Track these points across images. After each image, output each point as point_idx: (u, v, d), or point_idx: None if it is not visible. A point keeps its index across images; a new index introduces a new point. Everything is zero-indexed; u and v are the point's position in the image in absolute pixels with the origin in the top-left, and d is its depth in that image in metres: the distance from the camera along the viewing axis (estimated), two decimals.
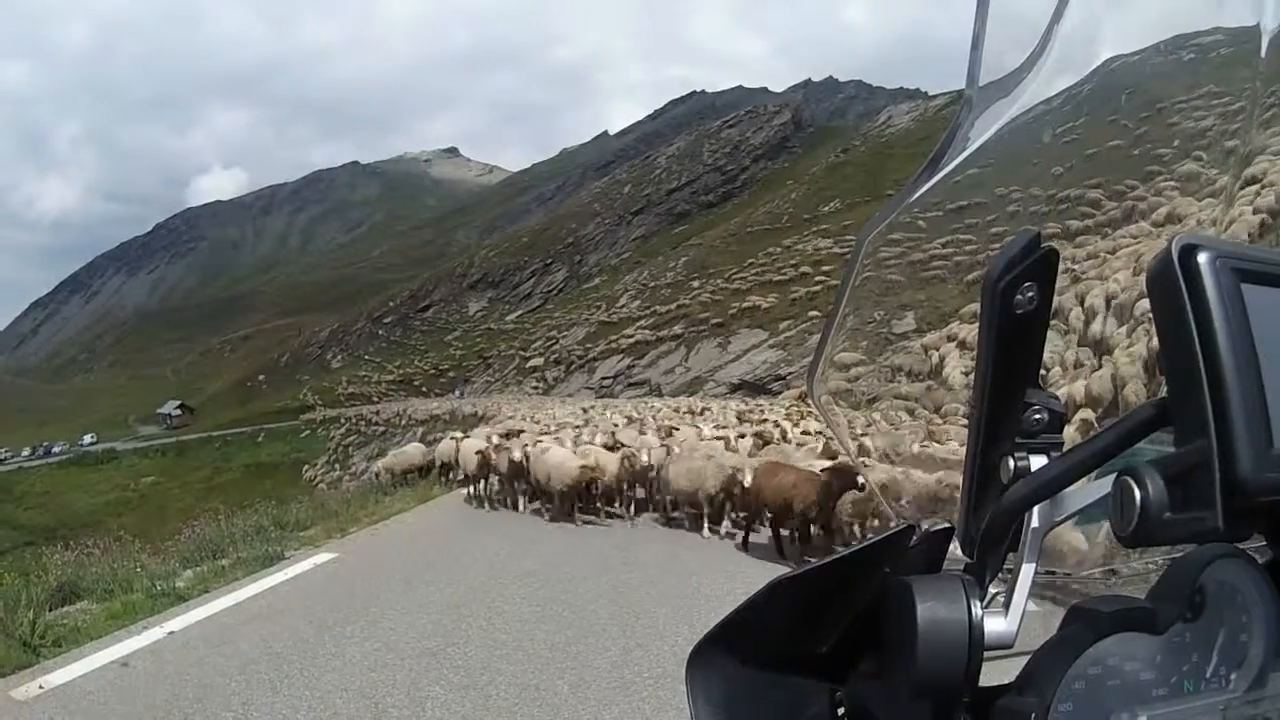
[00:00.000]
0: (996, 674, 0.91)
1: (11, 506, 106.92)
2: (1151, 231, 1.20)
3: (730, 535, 13.95)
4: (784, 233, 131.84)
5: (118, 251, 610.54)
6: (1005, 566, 0.95)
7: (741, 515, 13.72)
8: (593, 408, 48.48)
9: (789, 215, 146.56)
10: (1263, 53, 0.99)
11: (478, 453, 18.08)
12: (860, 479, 9.96)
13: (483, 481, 18.43)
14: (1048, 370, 1.03)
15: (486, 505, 18.18)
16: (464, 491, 19.02)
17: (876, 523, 10.35)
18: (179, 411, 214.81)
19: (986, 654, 0.88)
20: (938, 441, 1.37)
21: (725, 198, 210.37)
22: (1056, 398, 0.95)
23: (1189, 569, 0.86)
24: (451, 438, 22.36)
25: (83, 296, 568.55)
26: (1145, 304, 0.82)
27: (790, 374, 67.83)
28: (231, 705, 7.07)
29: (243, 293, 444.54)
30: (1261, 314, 0.76)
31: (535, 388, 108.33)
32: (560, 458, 16.14)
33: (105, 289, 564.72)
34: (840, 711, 1.03)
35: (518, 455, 16.74)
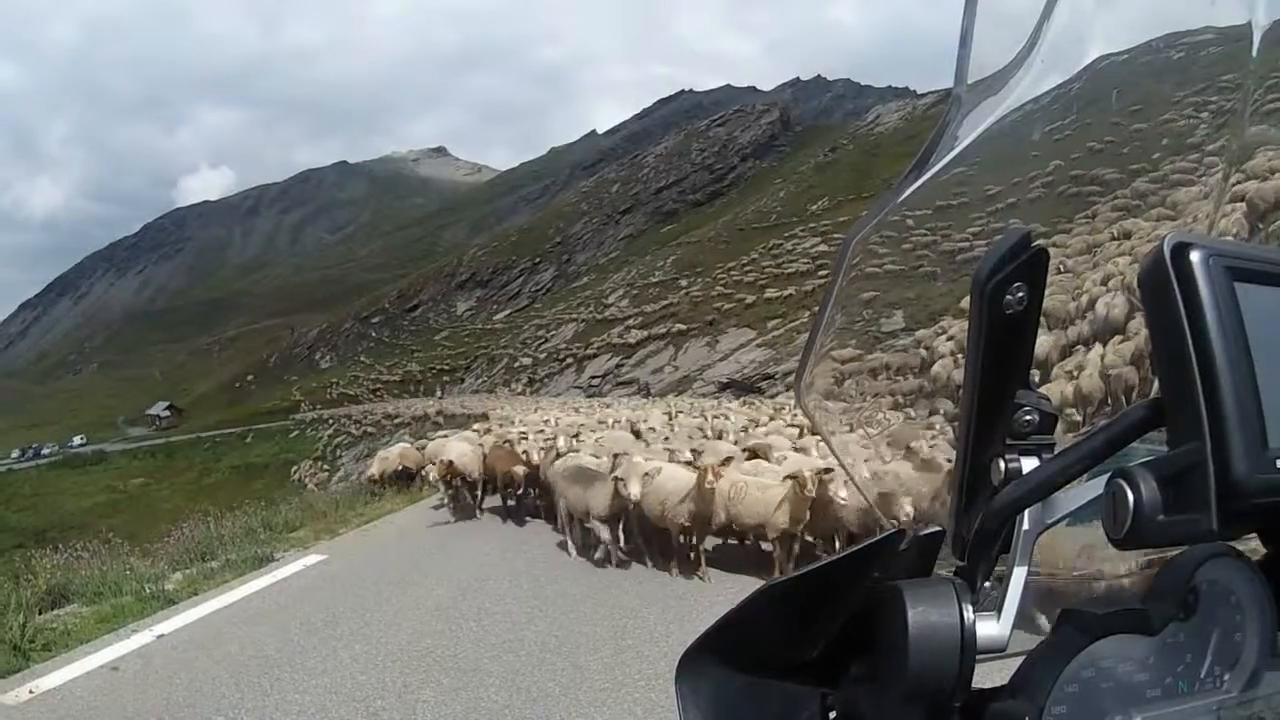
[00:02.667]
0: (989, 677, 0.91)
1: (1, 508, 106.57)
2: (1142, 230, 1.20)
3: None
4: (772, 232, 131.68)
5: (106, 252, 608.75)
6: (997, 569, 0.95)
7: None
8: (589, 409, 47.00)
9: (777, 214, 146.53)
10: (1255, 50, 0.98)
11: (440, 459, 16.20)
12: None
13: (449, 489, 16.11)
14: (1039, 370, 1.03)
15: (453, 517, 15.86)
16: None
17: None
18: (168, 413, 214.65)
19: (979, 657, 0.88)
20: (928, 443, 1.36)
21: (713, 197, 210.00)
22: (1047, 398, 0.94)
23: (1182, 569, 0.86)
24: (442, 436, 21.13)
25: (71, 297, 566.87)
26: (1138, 302, 0.82)
27: (779, 373, 67.79)
28: (222, 709, 7.06)
29: (231, 293, 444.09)
30: (1255, 313, 0.75)
31: (524, 388, 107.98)
32: (681, 482, 11.04)
33: (94, 290, 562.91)
34: (831, 716, 1.02)
35: (635, 490, 10.55)
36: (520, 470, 14.98)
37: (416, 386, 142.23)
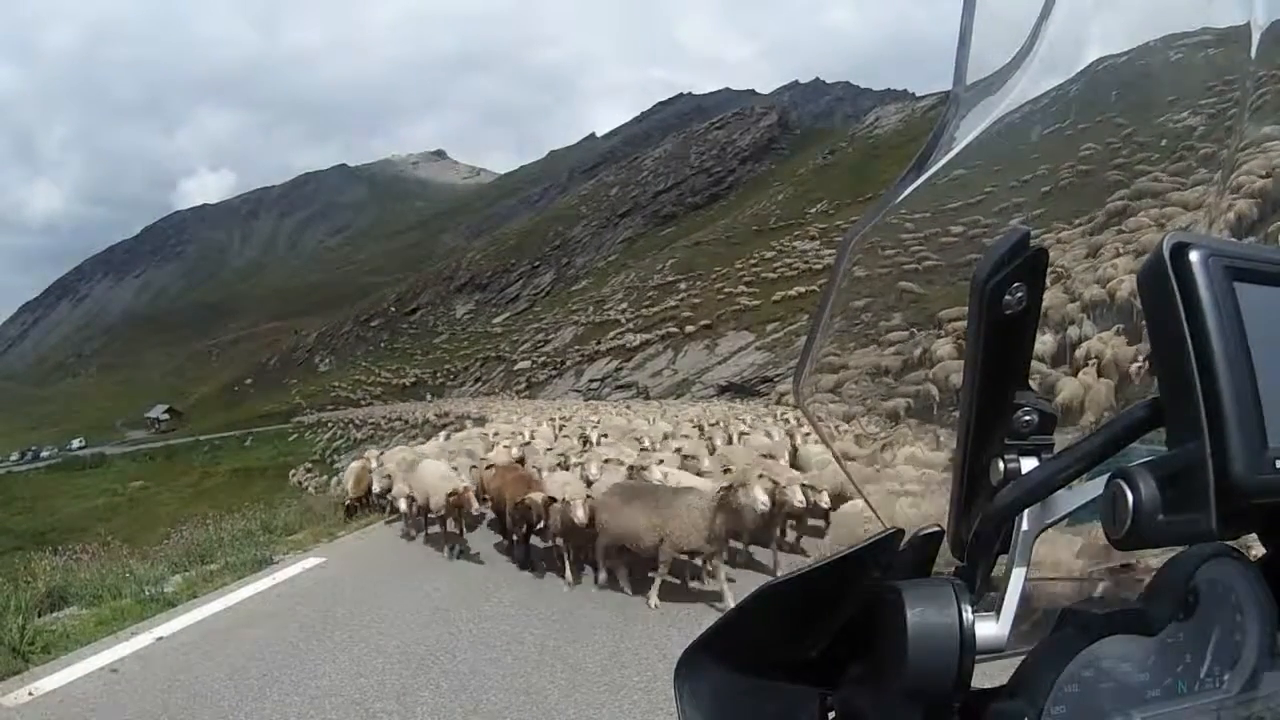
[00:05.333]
0: (989, 677, 0.91)
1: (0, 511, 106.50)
2: (1142, 229, 1.20)
3: None
4: (771, 234, 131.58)
5: (105, 255, 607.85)
6: (996, 569, 0.95)
7: None
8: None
9: (776, 217, 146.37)
10: (1253, 51, 0.98)
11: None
12: None
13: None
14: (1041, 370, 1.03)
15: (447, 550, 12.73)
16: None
17: None
18: (166, 416, 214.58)
19: (978, 658, 0.88)
20: (926, 444, 1.36)
21: (712, 199, 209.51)
22: (1046, 399, 0.95)
23: (1182, 569, 0.86)
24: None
25: (71, 300, 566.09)
26: (1137, 303, 0.82)
27: (778, 375, 67.81)
28: (221, 711, 7.08)
29: (230, 296, 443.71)
30: (1255, 313, 0.75)
31: (522, 391, 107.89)
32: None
33: (93, 293, 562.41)
34: (830, 716, 1.02)
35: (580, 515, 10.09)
36: (538, 498, 11.11)
37: (416, 389, 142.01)
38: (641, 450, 15.50)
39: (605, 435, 20.65)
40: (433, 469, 13.65)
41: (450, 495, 11.84)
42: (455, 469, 14.22)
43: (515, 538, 12.15)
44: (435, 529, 13.71)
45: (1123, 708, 0.81)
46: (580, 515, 10.07)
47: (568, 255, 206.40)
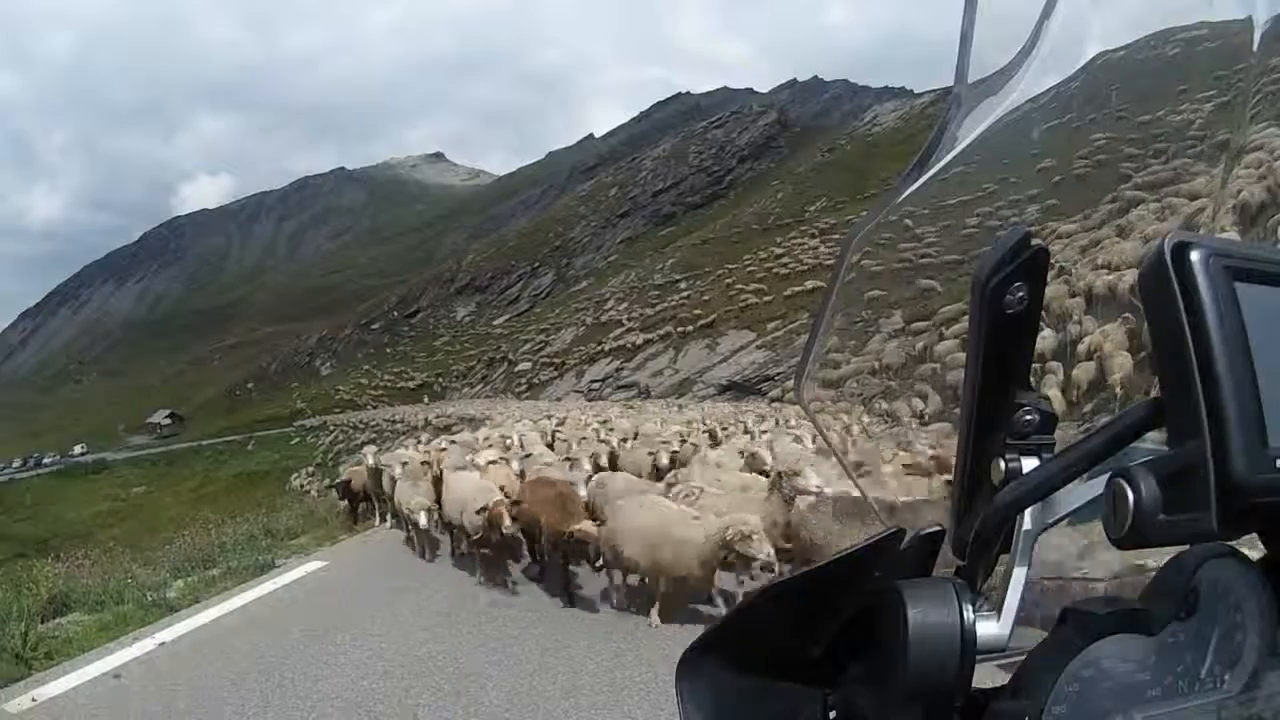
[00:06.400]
0: (989, 677, 0.92)
1: (2, 518, 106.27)
2: (1144, 225, 1.19)
3: None
4: (771, 233, 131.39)
5: (105, 261, 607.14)
6: (997, 569, 0.95)
7: None
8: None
9: (775, 215, 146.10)
10: (1255, 45, 0.98)
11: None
12: None
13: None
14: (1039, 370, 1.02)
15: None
16: None
17: None
18: (169, 421, 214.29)
19: (979, 657, 0.89)
20: (926, 442, 1.36)
21: (711, 199, 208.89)
22: (1047, 398, 0.94)
23: (1182, 569, 0.86)
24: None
25: (71, 307, 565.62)
26: (1137, 299, 0.81)
27: (779, 374, 67.77)
28: (223, 715, 7.09)
29: (231, 301, 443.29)
30: (1255, 312, 0.75)
31: (523, 393, 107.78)
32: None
33: (94, 299, 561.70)
34: (832, 716, 1.02)
35: None
36: (591, 528, 9.65)
37: (419, 393, 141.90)
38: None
39: (624, 440, 19.31)
40: (464, 480, 12.31)
41: (480, 510, 10.45)
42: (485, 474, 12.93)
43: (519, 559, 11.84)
44: (448, 546, 13.12)
45: (1123, 707, 0.81)
46: (769, 552, 8.20)
47: (567, 256, 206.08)
